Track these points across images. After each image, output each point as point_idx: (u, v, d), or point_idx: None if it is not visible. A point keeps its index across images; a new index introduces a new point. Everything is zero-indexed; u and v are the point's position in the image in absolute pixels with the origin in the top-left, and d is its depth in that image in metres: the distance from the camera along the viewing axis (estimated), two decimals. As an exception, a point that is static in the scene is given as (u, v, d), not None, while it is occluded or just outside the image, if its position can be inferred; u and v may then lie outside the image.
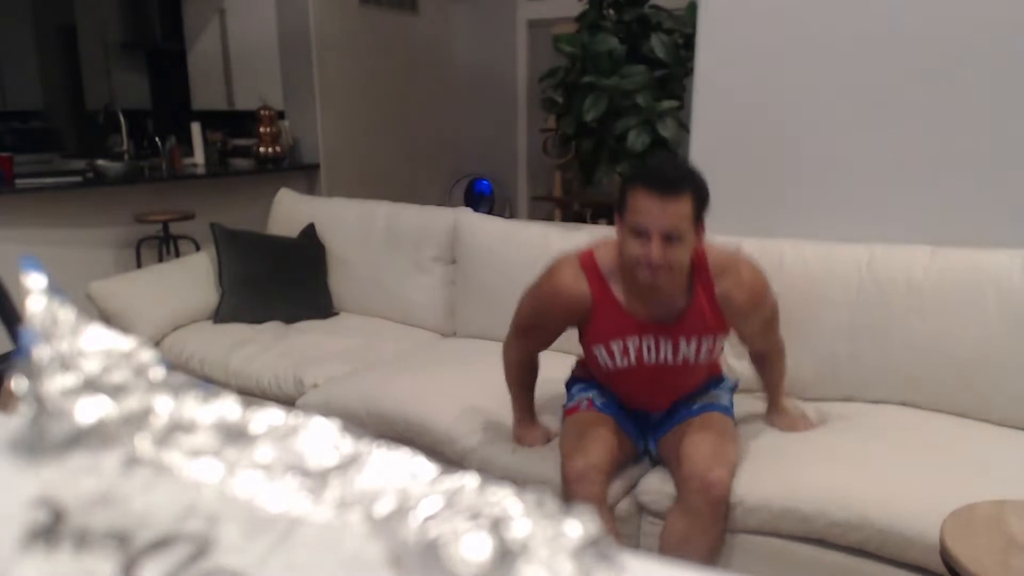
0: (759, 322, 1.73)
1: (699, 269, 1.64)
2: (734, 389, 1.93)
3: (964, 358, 1.96)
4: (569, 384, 1.95)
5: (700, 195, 1.53)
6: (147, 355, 0.29)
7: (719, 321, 1.66)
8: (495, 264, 2.63)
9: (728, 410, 1.84)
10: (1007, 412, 1.93)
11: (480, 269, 2.68)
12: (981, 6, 2.06)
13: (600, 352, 1.72)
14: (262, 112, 4.24)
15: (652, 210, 1.49)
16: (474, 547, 0.24)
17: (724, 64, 2.43)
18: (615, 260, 1.65)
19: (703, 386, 1.84)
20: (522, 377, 1.90)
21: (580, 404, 1.83)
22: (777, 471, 1.72)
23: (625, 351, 1.69)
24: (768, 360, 1.90)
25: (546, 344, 1.84)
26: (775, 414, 1.94)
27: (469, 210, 2.91)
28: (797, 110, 2.35)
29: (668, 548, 1.66)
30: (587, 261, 1.69)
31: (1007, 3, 2.03)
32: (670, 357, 1.68)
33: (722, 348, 1.85)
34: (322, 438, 0.27)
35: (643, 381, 1.75)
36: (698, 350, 1.68)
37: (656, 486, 1.78)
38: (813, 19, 2.28)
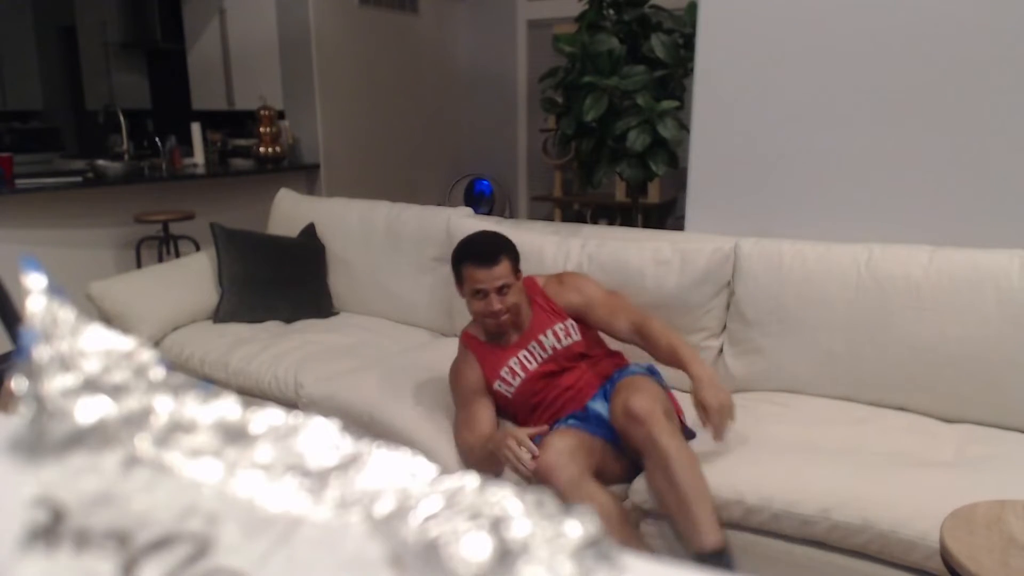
0: (600, 308, 2.03)
1: (531, 289, 2.07)
2: (650, 369, 1.99)
3: (963, 358, 1.96)
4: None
5: (513, 256, 1.98)
6: (147, 355, 0.29)
7: (557, 310, 2.05)
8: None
9: (639, 370, 1.97)
10: (1007, 412, 1.93)
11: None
12: (981, 7, 2.06)
13: (502, 387, 1.99)
14: (262, 112, 4.24)
15: (482, 276, 1.91)
16: (474, 547, 0.24)
17: (724, 64, 2.43)
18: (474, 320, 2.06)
19: (614, 373, 1.99)
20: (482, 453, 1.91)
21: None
22: (778, 471, 1.71)
23: (513, 372, 1.99)
24: (647, 338, 1.92)
25: (487, 418, 1.97)
26: (695, 387, 1.78)
27: (468, 210, 2.91)
28: (797, 110, 2.35)
29: (658, 489, 1.71)
30: (463, 334, 2.11)
31: (1007, 4, 2.03)
32: (542, 353, 1.99)
33: (604, 345, 2.09)
34: (322, 438, 0.27)
35: (547, 384, 1.98)
36: (557, 336, 2.00)
37: (644, 484, 1.77)
38: (813, 19, 2.28)
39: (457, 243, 2.02)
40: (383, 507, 0.25)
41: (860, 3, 2.21)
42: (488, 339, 2.03)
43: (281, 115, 4.41)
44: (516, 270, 1.97)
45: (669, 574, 0.28)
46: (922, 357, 2.00)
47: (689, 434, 1.86)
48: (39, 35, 6.22)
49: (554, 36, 3.29)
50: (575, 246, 2.46)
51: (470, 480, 0.26)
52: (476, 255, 1.93)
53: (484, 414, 1.97)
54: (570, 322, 2.02)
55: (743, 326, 2.25)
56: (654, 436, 1.67)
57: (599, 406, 1.92)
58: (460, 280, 1.98)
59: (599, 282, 2.14)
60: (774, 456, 1.78)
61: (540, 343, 1.99)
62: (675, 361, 1.84)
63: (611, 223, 4.54)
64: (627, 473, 1.85)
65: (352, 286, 3.02)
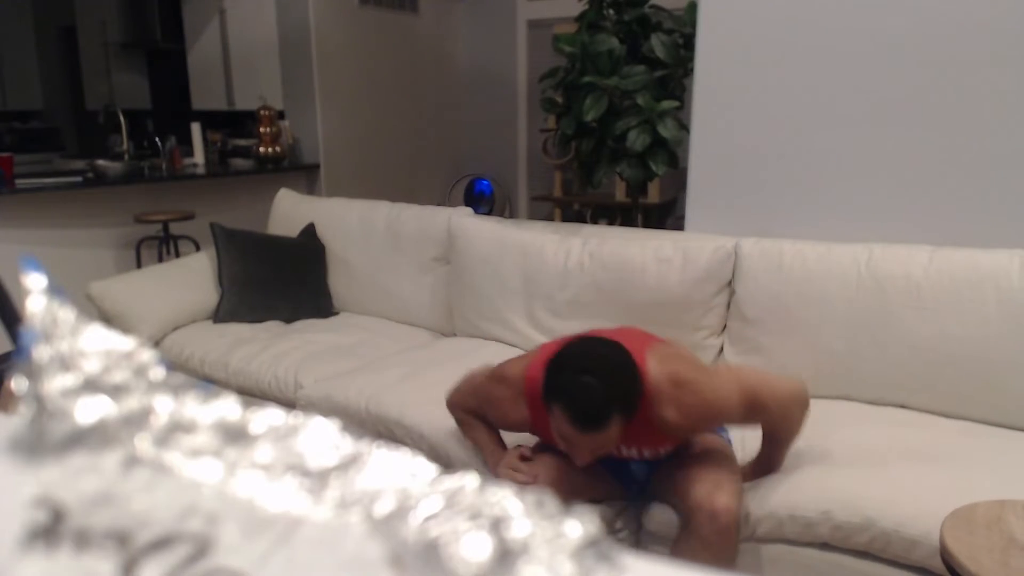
0: (729, 423, 1.65)
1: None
2: None
3: (963, 357, 1.96)
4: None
5: (625, 409, 1.43)
6: (147, 355, 0.29)
7: (658, 438, 1.59)
8: (488, 265, 2.62)
9: (719, 430, 1.78)
10: (1007, 412, 1.93)
11: (473, 271, 2.68)
12: (981, 7, 2.06)
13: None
14: (262, 112, 4.24)
15: (577, 439, 1.45)
16: (474, 547, 0.24)
17: (724, 64, 2.43)
18: None
19: None
20: (477, 421, 1.81)
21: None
22: (779, 479, 1.71)
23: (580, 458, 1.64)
24: (767, 435, 1.70)
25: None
26: (755, 463, 1.75)
27: (469, 210, 2.91)
28: (797, 110, 2.35)
29: (694, 562, 1.57)
30: (531, 386, 1.61)
31: (1007, 5, 2.03)
32: (615, 453, 1.67)
33: None
34: (322, 438, 0.27)
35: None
36: (642, 454, 1.65)
37: (663, 516, 1.73)
38: (813, 19, 2.28)
39: (555, 362, 1.45)
40: (383, 507, 0.25)
41: (860, 3, 2.21)
42: None
43: (281, 115, 4.41)
44: (627, 418, 1.45)
45: (669, 574, 0.28)
46: (922, 356, 2.00)
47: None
48: (39, 35, 6.22)
49: (554, 36, 3.29)
50: (575, 245, 2.46)
51: (470, 480, 0.26)
52: (578, 414, 1.40)
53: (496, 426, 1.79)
54: (665, 448, 1.64)
55: (744, 325, 2.25)
56: (729, 546, 1.55)
57: (637, 467, 1.75)
58: (550, 413, 1.47)
59: (729, 385, 1.55)
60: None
61: (619, 450, 1.64)
62: (764, 442, 1.69)
63: (611, 223, 4.54)
64: (611, 492, 1.77)
65: (352, 286, 3.02)
